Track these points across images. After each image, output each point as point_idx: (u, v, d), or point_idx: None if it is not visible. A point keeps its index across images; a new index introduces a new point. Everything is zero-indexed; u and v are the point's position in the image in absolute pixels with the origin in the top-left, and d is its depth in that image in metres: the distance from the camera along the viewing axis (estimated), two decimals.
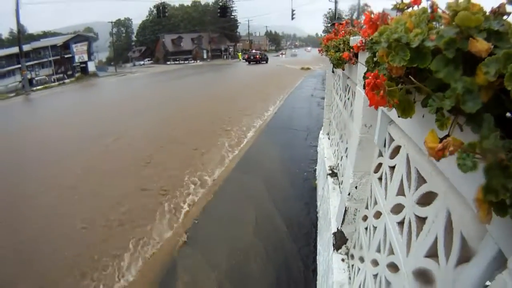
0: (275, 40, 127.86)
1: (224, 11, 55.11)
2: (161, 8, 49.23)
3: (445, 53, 0.70)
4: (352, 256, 2.71)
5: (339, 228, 2.98)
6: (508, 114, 0.61)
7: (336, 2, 34.69)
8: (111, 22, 63.34)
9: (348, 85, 4.19)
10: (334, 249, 2.95)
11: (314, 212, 6.07)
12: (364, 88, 1.61)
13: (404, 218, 1.54)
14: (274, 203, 6.74)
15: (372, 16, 1.17)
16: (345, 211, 2.78)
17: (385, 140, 2.03)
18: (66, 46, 51.89)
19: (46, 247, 5.61)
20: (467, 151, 0.58)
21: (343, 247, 2.92)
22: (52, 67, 50.71)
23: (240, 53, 73.56)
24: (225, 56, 79.97)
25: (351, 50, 2.64)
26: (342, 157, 4.36)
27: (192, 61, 71.95)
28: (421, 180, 1.37)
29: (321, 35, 78.71)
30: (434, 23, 0.90)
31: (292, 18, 43.83)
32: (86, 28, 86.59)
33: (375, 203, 2.19)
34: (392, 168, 1.84)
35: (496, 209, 0.55)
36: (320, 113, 13.00)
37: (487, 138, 0.54)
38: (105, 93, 31.63)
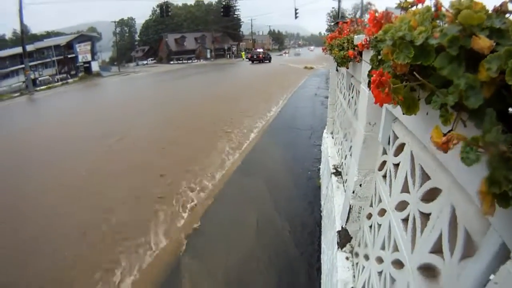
0: (278, 39, 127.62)
1: (227, 10, 55.18)
2: (164, 7, 49.38)
3: (449, 50, 0.72)
4: (357, 254, 2.72)
5: (343, 226, 2.99)
6: (510, 110, 0.62)
7: (339, 1, 34.59)
8: (114, 22, 63.70)
9: (352, 84, 4.20)
10: (338, 248, 2.96)
11: (318, 211, 6.09)
12: (368, 86, 1.64)
13: (408, 215, 1.55)
14: (278, 202, 6.77)
15: (377, 14, 1.19)
16: (350, 209, 2.79)
17: (389, 138, 2.04)
18: (69, 46, 52.03)
19: (46, 247, 5.69)
20: (470, 145, 0.59)
21: (348, 245, 2.93)
22: (56, 67, 50.86)
23: (244, 53, 73.52)
24: (228, 56, 79.95)
25: (356, 48, 2.65)
26: (346, 155, 4.37)
27: (196, 61, 72.00)
28: (425, 177, 1.39)
29: (324, 34, 78.45)
30: (437, 21, 0.91)
31: (296, 17, 43.74)
32: (89, 28, 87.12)
33: (380, 200, 2.20)
34: (396, 165, 1.86)
35: (499, 200, 0.57)
36: (323, 112, 13.00)
37: (489, 132, 0.56)
38: (108, 93, 31.80)
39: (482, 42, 0.66)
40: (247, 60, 56.38)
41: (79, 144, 11.55)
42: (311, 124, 12.71)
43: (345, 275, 2.70)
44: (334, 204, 3.85)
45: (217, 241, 5.70)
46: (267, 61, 51.39)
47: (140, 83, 35.34)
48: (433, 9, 0.91)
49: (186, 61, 70.83)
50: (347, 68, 3.90)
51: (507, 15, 0.71)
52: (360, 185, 2.62)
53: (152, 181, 7.94)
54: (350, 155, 3.87)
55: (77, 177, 8.54)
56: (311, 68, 38.59)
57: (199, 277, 4.82)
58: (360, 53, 2.53)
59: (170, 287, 4.72)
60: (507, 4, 0.71)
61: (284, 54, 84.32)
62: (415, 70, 0.86)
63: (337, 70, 5.62)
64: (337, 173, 4.74)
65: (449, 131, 0.66)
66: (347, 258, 2.84)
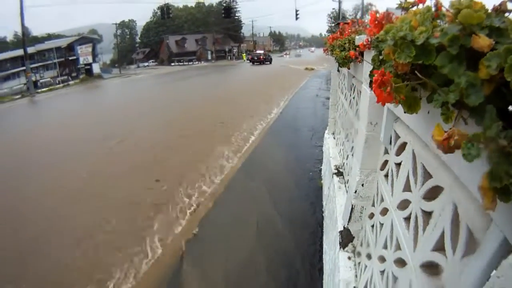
0: (279, 41, 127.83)
1: (228, 12, 55.34)
2: (165, 9, 49.47)
3: (449, 49, 0.74)
4: (359, 254, 2.72)
5: (345, 226, 3.00)
6: (510, 108, 0.64)
7: (340, 2, 34.66)
8: (115, 24, 63.81)
9: (353, 84, 4.21)
10: (340, 247, 2.97)
11: (319, 211, 6.09)
12: (370, 86, 1.65)
13: (410, 214, 1.56)
14: (279, 203, 6.78)
15: (377, 15, 1.20)
16: (352, 209, 2.80)
17: (391, 138, 2.06)
18: (70, 48, 52.18)
19: (46, 248, 5.70)
20: (471, 141, 0.61)
21: (350, 245, 2.94)
22: (57, 69, 50.96)
23: (244, 54, 73.62)
24: (229, 57, 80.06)
25: (357, 49, 2.67)
26: (347, 156, 4.38)
27: (197, 62, 72.14)
28: (427, 175, 1.40)
29: (325, 35, 78.61)
30: (438, 21, 0.93)
31: (296, 19, 43.83)
32: (90, 30, 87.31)
33: (382, 200, 2.21)
34: (398, 165, 1.87)
35: (500, 195, 0.58)
36: (325, 113, 13.00)
37: (490, 128, 0.58)
38: (109, 94, 31.89)
39: (482, 41, 0.68)
40: (248, 61, 56.45)
41: (80, 146, 11.58)
42: (312, 125, 12.72)
43: (347, 275, 2.71)
44: (336, 204, 3.86)
45: (217, 242, 5.71)
46: (268, 63, 51.45)
47: (141, 85, 35.42)
48: (433, 9, 0.92)
49: (187, 63, 70.93)
50: (349, 68, 3.91)
51: (506, 14, 0.73)
52: (362, 184, 2.63)
53: (151, 185, 7.90)
54: (352, 155, 3.88)
55: (78, 179, 8.55)
56: (312, 69, 38.63)
57: (199, 282, 4.83)
58: (362, 54, 2.54)
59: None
60: (506, 3, 0.72)
61: (285, 56, 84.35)
62: (417, 69, 0.87)
63: (338, 70, 5.64)
64: (339, 173, 4.75)
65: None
66: (349, 258, 2.85)
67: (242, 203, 7.00)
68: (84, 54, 51.86)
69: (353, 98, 4.21)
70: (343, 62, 3.65)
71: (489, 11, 0.75)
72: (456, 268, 1.03)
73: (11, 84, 43.50)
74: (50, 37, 67.43)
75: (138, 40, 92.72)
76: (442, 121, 0.78)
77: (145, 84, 35.25)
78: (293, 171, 8.47)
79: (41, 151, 11.57)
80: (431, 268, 1.27)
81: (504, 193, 0.57)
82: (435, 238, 1.23)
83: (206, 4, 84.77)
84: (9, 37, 71.25)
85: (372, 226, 2.40)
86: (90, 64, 51.70)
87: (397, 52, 0.88)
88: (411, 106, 0.98)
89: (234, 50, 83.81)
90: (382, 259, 2.00)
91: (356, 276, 2.67)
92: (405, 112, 1.04)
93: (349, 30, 3.64)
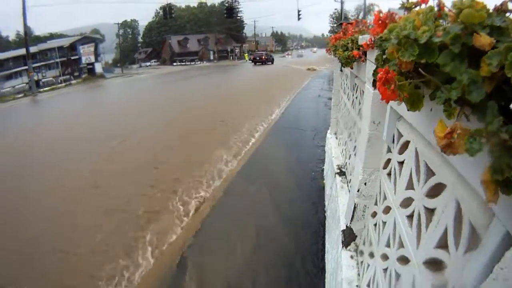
0: (281, 41, 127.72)
1: (231, 12, 55.25)
2: (167, 9, 49.44)
3: (451, 48, 0.76)
4: (362, 253, 2.74)
5: (348, 225, 3.01)
6: (511, 106, 0.66)
7: (342, 3, 34.60)
8: (118, 24, 63.78)
9: (356, 84, 4.23)
10: (343, 246, 2.98)
11: (322, 211, 6.11)
12: (373, 85, 1.67)
13: (413, 211, 1.58)
14: (281, 203, 6.80)
15: (381, 15, 1.23)
16: (354, 208, 2.82)
17: (394, 136, 2.08)
18: (72, 47, 52.36)
19: (46, 247, 5.74)
20: (473, 136, 0.63)
21: (352, 244, 2.95)
22: (59, 69, 51.10)
23: (247, 54, 73.66)
24: (231, 57, 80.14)
25: (360, 48, 2.69)
26: (350, 155, 4.39)
27: (198, 62, 72.23)
28: (430, 173, 1.42)
29: (327, 35, 78.60)
30: (440, 21, 0.95)
31: (299, 19, 43.75)
32: (92, 29, 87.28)
33: (384, 198, 2.23)
34: (401, 163, 1.89)
35: (502, 187, 0.60)
36: (327, 113, 13.00)
37: (491, 123, 0.60)
38: (112, 94, 32.06)
39: (483, 40, 0.70)
40: (250, 61, 56.47)
41: (82, 145, 11.65)
42: (314, 125, 12.72)
43: (349, 274, 2.72)
44: (339, 203, 3.87)
45: (220, 238, 5.79)
46: (270, 63, 51.46)
47: (143, 84, 35.53)
48: (436, 8, 0.94)
49: (189, 63, 71.05)
50: (351, 68, 3.93)
51: (507, 14, 0.75)
52: (365, 183, 2.65)
53: (152, 186, 7.90)
54: (355, 154, 3.89)
55: (80, 178, 8.59)
56: (314, 69, 38.60)
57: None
58: (365, 53, 2.56)
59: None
60: (507, 3, 0.74)
61: (287, 56, 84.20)
62: (419, 68, 0.89)
63: (341, 70, 5.65)
64: (341, 173, 4.76)
65: None
66: (351, 257, 2.86)
67: (243, 204, 7.01)
68: (86, 53, 52.04)
69: (356, 98, 4.22)
70: (346, 62, 3.67)
71: (490, 11, 0.77)
72: (459, 264, 1.05)
73: (14, 83, 43.73)
74: (52, 36, 67.58)
75: (140, 40, 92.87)
76: (444, 119, 0.80)
77: (147, 84, 35.37)
78: (295, 171, 8.48)
79: (43, 150, 11.68)
80: (434, 265, 1.28)
81: (506, 186, 0.60)
82: (438, 235, 1.25)
83: (208, 4, 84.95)
84: (11, 37, 71.49)
85: (375, 224, 2.42)
86: (92, 64, 51.91)
87: (401, 50, 0.90)
88: (414, 104, 1.01)
89: (236, 50, 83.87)
90: (385, 257, 2.01)
91: (358, 274, 2.68)
92: (408, 110, 1.06)
93: (353, 30, 3.66)
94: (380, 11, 1.28)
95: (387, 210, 2.11)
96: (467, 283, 0.92)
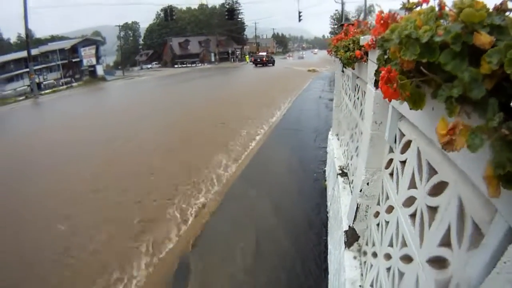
0: (282, 42, 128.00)
1: (232, 14, 55.45)
2: (168, 11, 49.70)
3: (452, 46, 0.78)
4: (365, 253, 2.74)
5: (350, 225, 3.02)
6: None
7: (343, 4, 34.66)
8: (119, 26, 63.98)
9: (357, 85, 4.24)
10: (345, 247, 2.99)
11: (324, 212, 6.11)
12: (375, 85, 1.69)
13: (416, 210, 1.59)
14: (284, 203, 6.82)
15: (383, 15, 1.24)
16: (357, 208, 2.82)
17: (396, 136, 2.09)
18: (74, 50, 52.61)
19: (46, 249, 5.75)
20: (475, 132, 0.65)
21: (355, 244, 2.96)
22: (60, 71, 51.32)
23: (248, 56, 73.81)
24: (232, 59, 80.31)
25: (362, 48, 2.70)
26: (352, 156, 4.40)
27: (200, 64, 72.42)
28: (432, 172, 1.43)
29: (327, 36, 78.71)
30: (441, 21, 0.96)
31: (299, 20, 43.85)
32: (93, 32, 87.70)
33: (387, 198, 2.24)
34: (403, 162, 1.90)
35: (504, 182, 0.62)
36: (328, 114, 13.03)
37: (492, 119, 0.61)
38: (113, 96, 32.12)
39: (484, 38, 0.72)
40: (251, 63, 56.58)
41: (83, 148, 11.69)
42: (315, 127, 12.73)
43: (352, 274, 2.73)
44: (341, 204, 3.87)
45: (223, 238, 5.80)
46: (271, 64, 51.55)
47: (144, 87, 35.63)
48: (437, 8, 0.96)
49: (190, 65, 71.23)
50: (353, 69, 3.95)
51: (507, 13, 0.77)
52: (368, 183, 2.65)
53: (154, 188, 7.88)
54: (357, 155, 3.90)
55: (81, 181, 8.60)
56: (315, 71, 38.66)
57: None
58: (366, 53, 2.58)
59: None
60: (506, 2, 0.76)
61: (288, 58, 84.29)
62: (421, 66, 0.91)
63: (342, 71, 5.67)
64: (343, 174, 4.77)
65: None
66: (354, 257, 2.87)
67: (245, 205, 7.01)
68: (87, 56, 52.26)
69: (357, 98, 4.24)
70: (348, 63, 3.69)
71: (490, 10, 0.79)
72: (462, 260, 1.06)
73: (15, 86, 43.98)
74: (53, 39, 67.82)
75: (141, 42, 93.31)
76: (446, 117, 0.81)
77: (148, 86, 35.47)
78: (297, 172, 8.49)
79: (44, 153, 11.72)
80: (438, 263, 1.29)
81: (507, 180, 0.61)
82: (441, 233, 1.26)
83: (209, 6, 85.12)
84: (13, 39, 71.77)
85: (378, 224, 2.43)
86: (93, 66, 52.10)
87: (403, 50, 0.92)
88: (416, 103, 1.02)
89: (237, 52, 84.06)
90: (388, 256, 2.02)
91: (361, 275, 2.69)
92: (410, 109, 1.07)
93: (355, 30, 3.67)
94: (382, 11, 1.30)
95: (390, 209, 2.12)
96: (471, 278, 0.93)
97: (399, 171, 1.96)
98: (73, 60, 52.38)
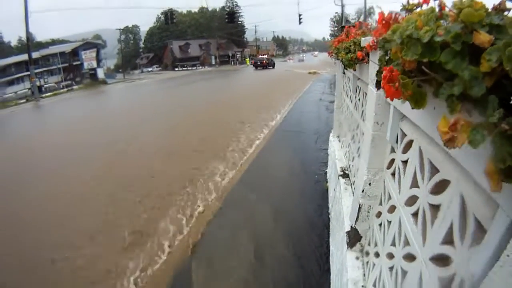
0: (282, 45, 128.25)
1: (232, 17, 55.59)
2: (168, 14, 49.82)
3: (453, 46, 0.80)
4: (367, 253, 2.75)
5: (353, 226, 3.03)
6: None
7: (343, 6, 34.73)
8: (119, 29, 64.14)
9: (358, 86, 4.27)
10: (348, 247, 3.00)
11: (326, 213, 6.12)
12: (376, 86, 1.71)
13: (418, 209, 1.61)
14: (286, 204, 6.83)
15: (385, 16, 1.27)
16: (359, 208, 2.83)
17: (397, 136, 2.11)
18: (74, 53, 52.81)
19: (47, 251, 5.73)
20: (476, 128, 0.67)
21: (357, 245, 2.96)
22: (61, 74, 51.46)
23: (248, 59, 73.96)
24: (232, 62, 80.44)
25: (363, 49, 2.72)
26: (353, 157, 4.41)
27: (200, 67, 72.58)
28: (434, 170, 1.45)
29: (328, 39, 78.80)
30: (441, 21, 0.99)
31: (300, 23, 43.93)
32: (94, 35, 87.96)
33: (389, 198, 2.25)
34: (405, 162, 1.92)
35: (505, 176, 0.64)
36: (329, 116, 13.06)
37: (492, 115, 0.64)
38: (114, 99, 32.22)
39: (483, 37, 0.74)
40: (252, 66, 56.68)
41: (84, 150, 11.71)
42: (316, 129, 12.75)
43: (355, 274, 2.73)
44: (343, 205, 3.89)
45: (224, 238, 5.80)
46: (271, 67, 51.67)
47: (145, 90, 35.73)
48: (437, 9, 0.98)
49: (190, 68, 71.43)
50: (354, 70, 3.97)
51: (505, 13, 0.79)
52: (370, 184, 2.67)
53: (155, 191, 7.89)
54: (358, 156, 3.92)
55: (82, 184, 8.60)
56: (315, 73, 38.74)
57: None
58: (368, 55, 2.60)
59: None
60: (505, 2, 0.78)
61: (288, 60, 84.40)
62: (423, 66, 0.93)
63: (343, 73, 5.69)
64: (345, 175, 4.78)
65: None
66: (357, 258, 2.87)
67: (246, 206, 7.02)
68: (88, 59, 52.42)
69: (359, 100, 4.26)
70: (349, 64, 3.71)
71: (489, 10, 0.81)
72: (465, 257, 1.08)
73: (16, 89, 44.07)
74: (54, 42, 67.98)
75: (141, 45, 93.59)
76: (447, 115, 0.83)
77: (149, 89, 35.54)
78: (299, 173, 8.50)
79: (44, 156, 11.77)
80: (441, 260, 1.30)
81: (508, 174, 0.63)
82: (443, 231, 1.27)
83: (210, 9, 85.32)
84: (13, 42, 71.94)
85: (380, 224, 2.44)
86: (94, 69, 52.29)
87: (405, 50, 0.94)
88: (417, 102, 1.04)
89: (238, 55, 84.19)
90: (390, 256, 2.03)
91: (364, 275, 2.70)
92: (412, 108, 1.10)
93: (356, 32, 3.70)
94: (383, 13, 1.32)
95: (392, 209, 2.13)
96: (474, 274, 0.95)
97: (401, 171, 1.97)
98: (74, 63, 52.56)
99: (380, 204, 2.57)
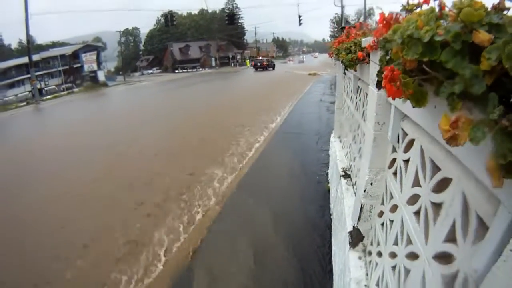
0: (282, 47, 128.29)
1: (232, 19, 55.66)
2: (168, 16, 49.88)
3: (453, 45, 0.81)
4: (370, 253, 2.75)
5: (355, 226, 3.04)
6: None
7: (342, 7, 34.77)
8: (119, 32, 64.30)
9: (359, 87, 4.28)
10: (350, 247, 3.01)
11: (328, 214, 6.13)
12: (377, 86, 1.72)
13: (420, 207, 1.62)
14: (288, 205, 6.85)
15: (386, 16, 1.28)
16: (361, 208, 2.84)
17: (398, 136, 2.12)
18: (75, 55, 53.00)
19: (47, 253, 5.75)
20: (477, 125, 0.68)
21: (360, 245, 2.97)
22: (61, 77, 51.60)
23: (248, 61, 74.05)
24: (233, 64, 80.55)
25: (364, 50, 2.74)
26: (355, 158, 4.42)
27: (200, 69, 72.69)
28: (436, 169, 1.46)
29: (328, 40, 78.89)
30: (441, 21, 1.00)
31: (300, 24, 43.98)
32: (94, 38, 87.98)
33: (391, 197, 2.26)
34: (406, 161, 1.93)
35: (506, 171, 0.65)
36: (329, 117, 13.08)
37: (493, 112, 0.65)
38: (114, 102, 32.30)
39: (482, 36, 0.75)
40: (252, 67, 56.79)
41: (85, 153, 11.74)
42: (317, 130, 12.76)
43: (358, 274, 2.74)
44: (344, 205, 3.89)
45: (227, 237, 5.86)
46: (271, 69, 51.79)
47: (145, 92, 35.83)
48: (437, 9, 1.00)
49: (191, 70, 71.51)
50: (355, 70, 3.98)
51: (504, 12, 0.80)
52: (371, 184, 2.67)
53: (156, 193, 7.88)
54: (360, 157, 3.93)
55: (83, 186, 8.62)
56: (315, 74, 38.78)
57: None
58: (368, 55, 2.62)
59: None
60: (504, 2, 0.80)
61: (288, 62, 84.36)
62: (423, 65, 0.94)
63: (344, 73, 5.71)
64: (346, 175, 4.79)
65: None
66: (359, 257, 2.88)
67: (248, 206, 7.04)
68: (88, 61, 52.58)
69: (359, 100, 4.27)
70: (350, 65, 3.72)
71: (489, 9, 0.83)
72: (468, 254, 1.09)
73: (16, 92, 44.15)
74: (54, 45, 68.18)
75: (142, 47, 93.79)
76: (448, 114, 0.85)
77: (149, 91, 35.64)
78: (300, 175, 8.51)
79: (43, 159, 11.82)
80: (444, 258, 1.31)
81: (509, 170, 0.64)
82: (446, 229, 1.28)
83: (210, 11, 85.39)
84: (14, 45, 72.13)
85: (382, 224, 2.44)
86: (95, 72, 52.44)
87: (405, 49, 0.96)
88: (418, 101, 1.05)
89: (238, 57, 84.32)
90: (393, 255, 2.04)
91: (367, 274, 2.70)
92: (413, 107, 1.11)
93: (356, 33, 3.72)
94: (383, 13, 1.34)
95: (394, 208, 2.14)
96: (477, 269, 0.96)
97: (403, 170, 1.98)
98: (74, 66, 52.76)
99: (382, 203, 2.57)
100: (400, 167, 2.04)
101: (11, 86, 46.19)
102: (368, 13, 43.06)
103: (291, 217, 6.41)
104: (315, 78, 34.78)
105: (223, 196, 7.59)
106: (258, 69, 51.83)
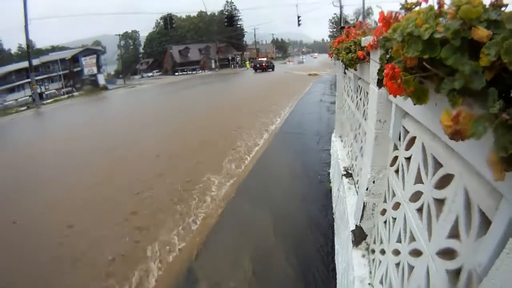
0: (282, 47, 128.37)
1: (231, 20, 55.64)
2: (168, 19, 49.99)
3: (452, 42, 0.83)
4: (373, 251, 2.76)
5: (357, 224, 3.04)
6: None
7: (341, 7, 34.82)
8: (119, 35, 64.42)
9: (359, 86, 4.29)
10: (353, 246, 3.01)
11: (330, 213, 6.13)
12: (377, 85, 1.73)
13: (423, 204, 1.63)
14: (290, 203, 6.86)
15: (385, 15, 1.29)
16: (364, 207, 2.85)
17: (400, 134, 2.14)
18: (75, 59, 53.06)
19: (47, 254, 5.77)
20: (478, 120, 0.70)
21: (363, 243, 2.98)
22: (62, 81, 51.65)
23: (248, 62, 74.13)
24: (232, 65, 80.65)
25: (364, 49, 2.75)
26: (356, 157, 4.43)
27: (200, 71, 72.78)
28: (437, 165, 1.47)
29: (327, 40, 78.96)
30: (440, 19, 1.02)
31: (299, 25, 44.07)
32: (94, 41, 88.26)
33: (393, 195, 2.27)
34: (408, 159, 1.94)
35: (507, 164, 0.66)
36: (330, 117, 13.08)
37: (493, 106, 0.66)
38: (114, 105, 32.35)
39: (481, 32, 0.77)
40: (252, 69, 56.85)
41: (85, 157, 11.72)
42: (318, 130, 12.77)
43: (361, 272, 2.74)
44: (347, 204, 3.90)
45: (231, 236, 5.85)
46: (270, 69, 51.87)
47: (146, 95, 35.86)
48: (436, 7, 1.01)
49: (190, 72, 71.62)
50: (355, 70, 3.99)
51: (502, 8, 0.82)
52: (374, 182, 2.68)
53: (156, 195, 7.89)
54: (361, 155, 3.93)
55: (83, 190, 8.60)
56: (315, 74, 38.79)
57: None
58: (368, 54, 2.63)
59: None
60: None
61: (288, 62, 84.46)
62: (424, 62, 0.96)
63: (344, 73, 5.72)
64: (348, 174, 4.80)
65: None
66: (362, 256, 2.88)
67: (249, 207, 7.04)
68: (88, 65, 52.66)
69: (360, 99, 4.28)
70: (350, 64, 3.74)
71: (487, 6, 0.84)
72: (471, 248, 1.10)
73: (16, 96, 44.16)
74: (54, 49, 68.34)
75: (141, 50, 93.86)
76: (449, 110, 0.86)
77: (150, 94, 35.66)
78: (301, 174, 8.52)
79: (43, 164, 11.81)
80: (447, 254, 1.32)
81: (510, 163, 0.66)
82: (449, 225, 1.29)
83: (208, 13, 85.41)
84: (13, 50, 72.36)
85: (385, 222, 2.45)
86: (95, 75, 52.51)
87: (406, 47, 0.97)
88: (419, 98, 1.07)
89: (237, 58, 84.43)
90: (396, 252, 2.05)
91: (370, 272, 2.71)
92: (414, 104, 1.12)
93: (356, 32, 3.73)
94: (383, 12, 1.35)
95: (397, 206, 2.15)
96: (481, 263, 0.97)
97: (405, 168, 1.99)
98: (74, 70, 52.80)
99: (385, 201, 2.58)
100: (402, 165, 2.05)
101: (11, 90, 46.16)
102: (366, 13, 43.16)
103: (294, 216, 6.40)
104: (315, 79, 34.78)
105: (224, 198, 7.58)
106: (258, 70, 51.89)
